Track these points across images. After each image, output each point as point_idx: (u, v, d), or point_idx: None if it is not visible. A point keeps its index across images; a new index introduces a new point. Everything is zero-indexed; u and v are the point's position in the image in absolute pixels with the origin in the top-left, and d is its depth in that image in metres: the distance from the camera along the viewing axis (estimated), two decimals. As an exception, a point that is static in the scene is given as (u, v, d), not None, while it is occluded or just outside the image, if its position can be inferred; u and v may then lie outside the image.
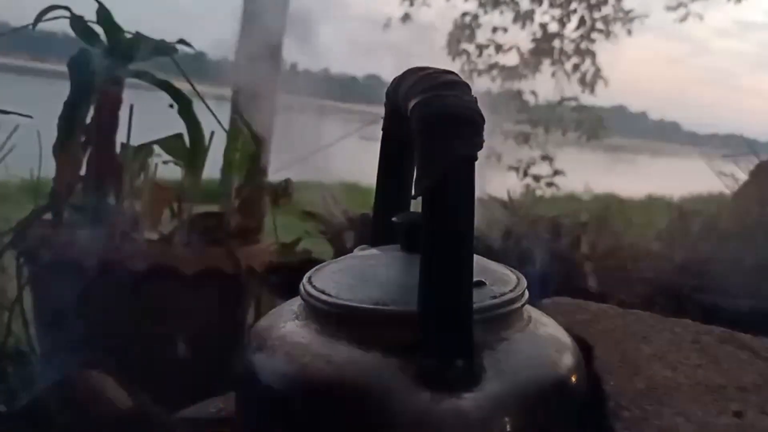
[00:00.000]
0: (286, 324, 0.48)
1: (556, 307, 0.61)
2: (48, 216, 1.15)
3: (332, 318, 0.46)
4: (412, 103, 0.42)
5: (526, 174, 5.65)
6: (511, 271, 0.50)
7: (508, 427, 0.42)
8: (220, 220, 1.26)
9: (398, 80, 0.47)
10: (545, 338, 0.49)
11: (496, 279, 0.48)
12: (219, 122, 1.24)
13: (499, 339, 0.44)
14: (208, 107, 1.30)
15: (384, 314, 0.44)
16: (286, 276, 1.30)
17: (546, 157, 5.68)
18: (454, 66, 4.75)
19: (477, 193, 0.41)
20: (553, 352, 0.48)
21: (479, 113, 0.40)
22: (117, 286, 1.06)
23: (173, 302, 1.10)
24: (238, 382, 0.49)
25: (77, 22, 1.16)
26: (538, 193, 5.79)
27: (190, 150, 1.23)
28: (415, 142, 0.41)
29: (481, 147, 0.40)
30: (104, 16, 1.16)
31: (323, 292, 0.47)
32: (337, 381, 0.43)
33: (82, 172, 1.18)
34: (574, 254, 1.45)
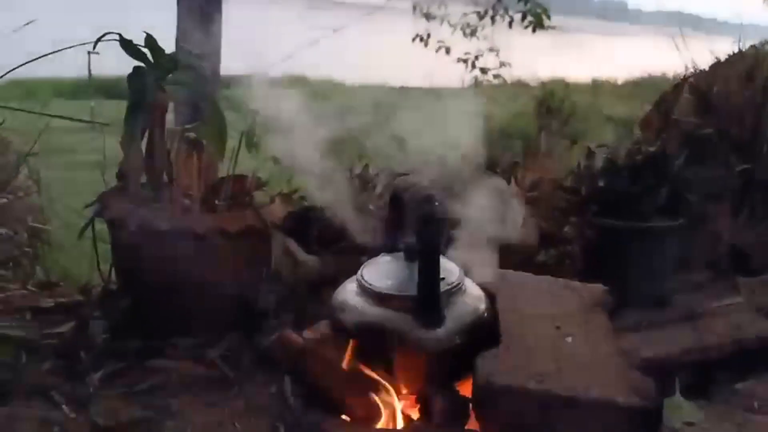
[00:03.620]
0: (353, 298, 1.10)
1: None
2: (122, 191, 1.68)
3: (376, 295, 1.07)
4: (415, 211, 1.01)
5: (474, 66, 6.19)
6: (456, 266, 1.12)
7: (457, 340, 1.05)
8: (243, 183, 1.81)
9: (402, 186, 1.05)
10: (472, 296, 1.12)
11: (449, 273, 1.09)
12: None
13: (452, 302, 1.08)
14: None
15: (401, 296, 1.06)
16: (292, 221, 1.90)
17: (493, 50, 6.19)
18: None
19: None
20: (476, 302, 1.11)
21: (440, 213, 1.00)
22: (182, 247, 1.61)
23: (223, 254, 1.67)
24: (332, 325, 1.11)
25: (128, 45, 1.63)
26: (486, 84, 6.35)
27: (216, 134, 1.75)
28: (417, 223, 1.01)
29: (443, 229, 1.00)
30: (150, 41, 1.63)
31: (369, 283, 1.08)
32: (380, 324, 1.05)
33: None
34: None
